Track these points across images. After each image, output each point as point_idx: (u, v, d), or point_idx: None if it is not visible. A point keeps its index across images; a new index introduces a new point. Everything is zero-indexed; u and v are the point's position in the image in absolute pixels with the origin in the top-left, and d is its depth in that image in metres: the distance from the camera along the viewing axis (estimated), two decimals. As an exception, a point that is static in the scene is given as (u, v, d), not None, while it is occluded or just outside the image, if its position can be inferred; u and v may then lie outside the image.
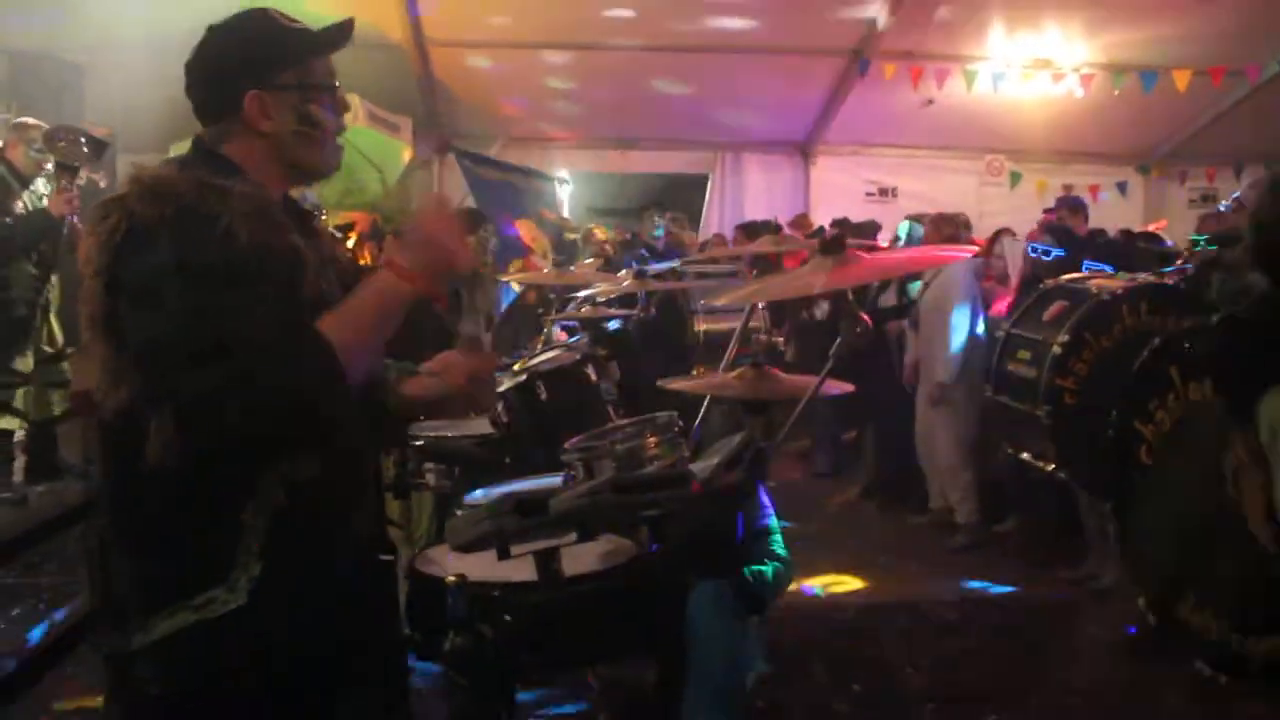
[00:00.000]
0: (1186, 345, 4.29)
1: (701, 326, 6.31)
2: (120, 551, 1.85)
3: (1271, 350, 1.98)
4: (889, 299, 6.94)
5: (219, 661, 1.77)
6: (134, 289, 1.72)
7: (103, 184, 6.29)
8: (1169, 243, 7.42)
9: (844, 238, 2.32)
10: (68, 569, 5.33)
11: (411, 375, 2.16)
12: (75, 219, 6.24)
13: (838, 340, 2.30)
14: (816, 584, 5.50)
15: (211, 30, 1.94)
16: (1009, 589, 5.55)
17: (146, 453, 1.70)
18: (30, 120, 6.39)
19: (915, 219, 7.58)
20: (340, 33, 1.98)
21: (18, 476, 6.54)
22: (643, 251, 8.13)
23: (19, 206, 6.16)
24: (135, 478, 1.76)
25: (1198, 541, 4.13)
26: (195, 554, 1.78)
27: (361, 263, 7.08)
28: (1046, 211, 8.33)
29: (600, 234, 9.94)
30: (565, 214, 12.29)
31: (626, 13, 10.21)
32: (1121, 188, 12.71)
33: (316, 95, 1.94)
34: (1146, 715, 4.01)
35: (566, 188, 12.66)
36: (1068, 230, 6.87)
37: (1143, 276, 5.26)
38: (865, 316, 2.25)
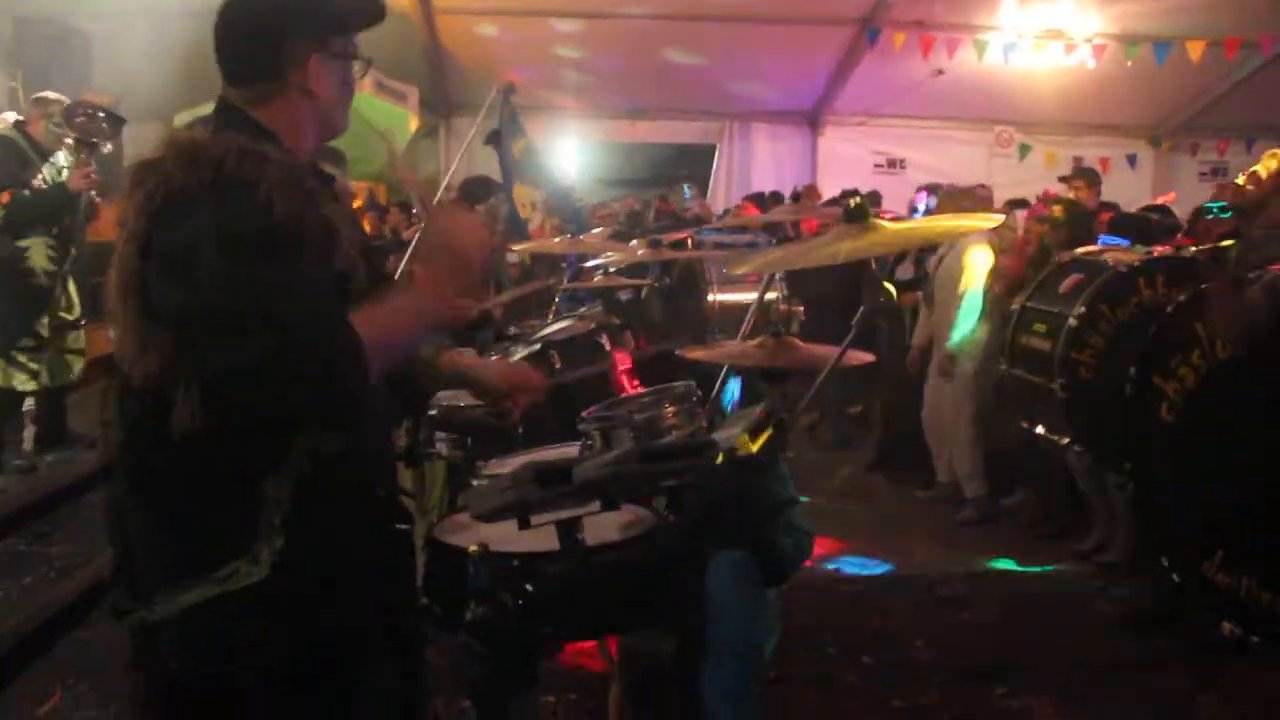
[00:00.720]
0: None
1: (717, 296, 6.28)
2: (141, 521, 1.83)
3: None
4: (905, 271, 6.90)
5: (241, 634, 1.76)
6: (169, 256, 1.69)
7: (106, 149, 6.25)
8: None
9: (867, 205, 2.29)
10: (77, 538, 5.35)
11: (446, 348, 2.16)
12: (94, 193, 6.24)
13: (860, 309, 2.28)
14: (826, 557, 5.50)
15: None
16: (1017, 562, 5.55)
17: (172, 422, 1.68)
18: (51, 94, 6.37)
19: (933, 189, 7.52)
20: (381, 7, 1.99)
21: (27, 445, 6.54)
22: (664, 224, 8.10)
23: (39, 180, 6.14)
24: (158, 446, 1.73)
25: (1226, 500, 4.07)
26: (217, 525, 1.76)
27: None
28: (1062, 179, 8.26)
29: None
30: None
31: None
32: (1131, 160, 12.64)
33: (350, 65, 1.98)
34: (1154, 688, 4.00)
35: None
36: (1073, 203, 6.80)
37: (1159, 249, 5.22)
38: (889, 285, 2.22)
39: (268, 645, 1.77)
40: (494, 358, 3.75)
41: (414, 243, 5.80)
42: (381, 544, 1.97)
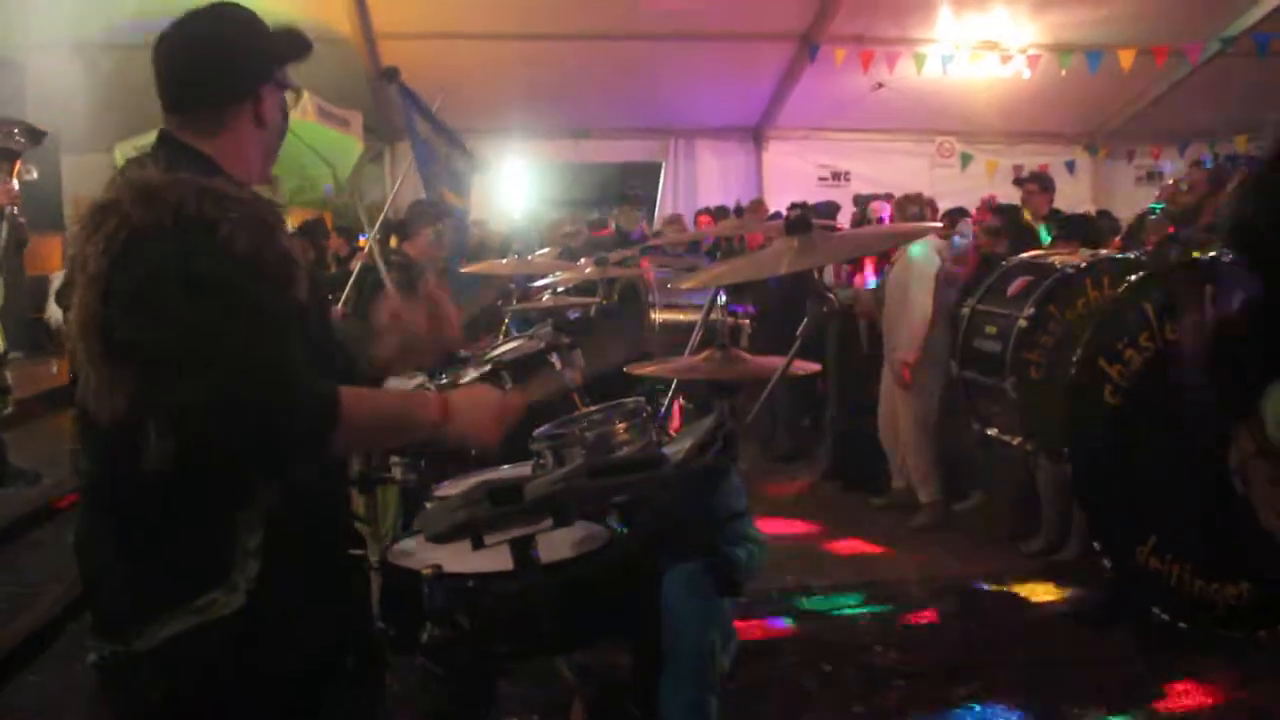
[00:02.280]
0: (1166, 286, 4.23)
1: (659, 317, 6.26)
2: (113, 554, 1.82)
3: (1268, 345, 1.98)
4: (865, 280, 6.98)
5: (221, 663, 1.75)
6: (131, 295, 1.69)
7: (32, 175, 6.14)
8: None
9: (809, 217, 2.33)
10: (22, 577, 5.24)
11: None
12: (19, 217, 6.11)
13: (804, 320, 2.31)
14: (781, 565, 5.52)
15: (204, 20, 1.93)
16: (971, 565, 5.61)
17: (144, 459, 1.68)
18: None
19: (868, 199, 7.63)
20: (308, 41, 2.02)
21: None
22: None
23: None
24: (130, 483, 1.73)
25: (1162, 485, 4.10)
26: (193, 556, 1.76)
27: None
28: (1016, 183, 8.41)
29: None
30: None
31: (575, 1, 10.18)
32: (1070, 166, 12.88)
33: (287, 93, 2.02)
34: (1110, 683, 4.06)
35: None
36: (1012, 208, 6.94)
37: (1104, 251, 5.33)
38: (830, 295, 2.25)
39: (245, 673, 1.76)
40: (443, 380, 3.74)
41: (359, 268, 5.78)
42: (344, 568, 1.97)
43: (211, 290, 1.67)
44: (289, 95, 2.03)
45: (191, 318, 1.65)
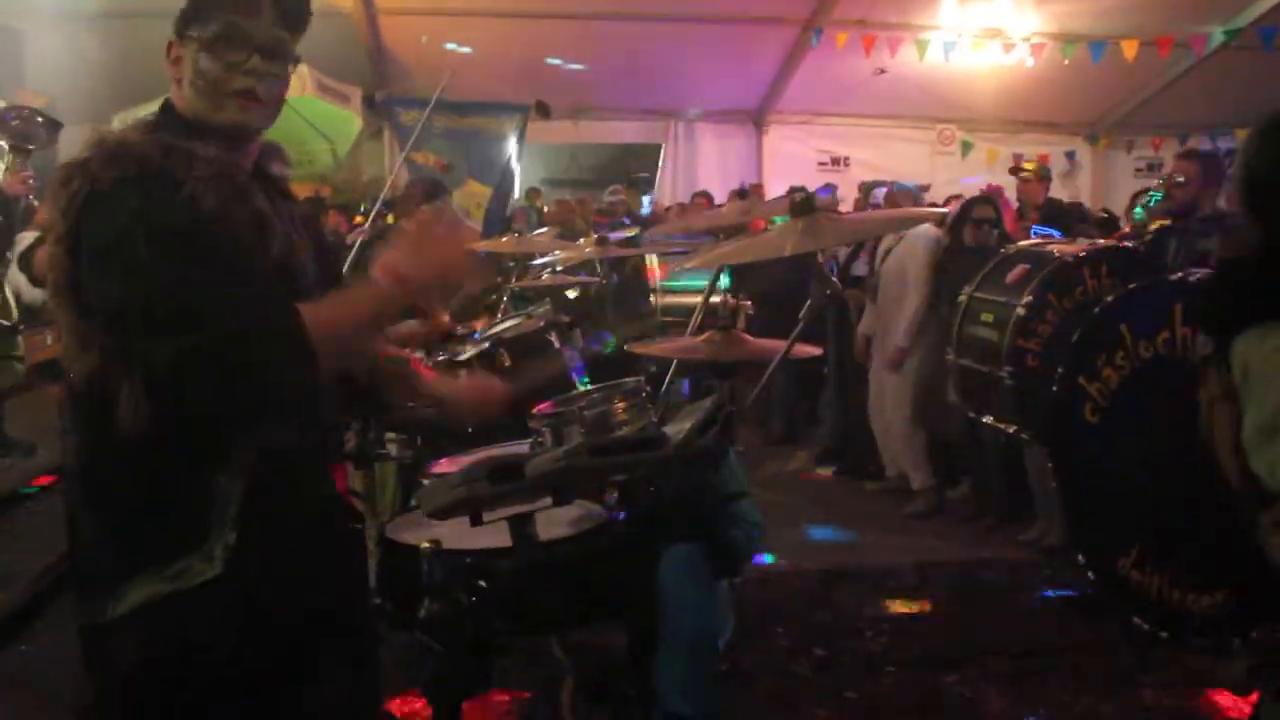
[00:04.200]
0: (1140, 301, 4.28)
1: (659, 301, 6.25)
2: (92, 521, 1.82)
3: (1248, 292, 2.02)
4: (860, 268, 6.97)
5: (196, 631, 1.74)
6: (97, 253, 1.68)
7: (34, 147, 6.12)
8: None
9: (813, 199, 2.32)
10: (15, 547, 5.23)
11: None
12: (31, 198, 6.11)
13: (808, 303, 2.30)
14: (776, 550, 5.53)
15: None
16: (964, 552, 5.62)
17: (117, 419, 1.66)
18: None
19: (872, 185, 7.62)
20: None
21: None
22: (625, 219, 8.08)
23: (-29, 184, 6.00)
24: (106, 445, 1.72)
25: (1141, 498, 4.17)
26: (169, 522, 1.75)
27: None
28: (1012, 172, 8.38)
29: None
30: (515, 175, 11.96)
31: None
32: (1070, 156, 12.87)
33: (209, 44, 1.83)
34: (1100, 672, 4.08)
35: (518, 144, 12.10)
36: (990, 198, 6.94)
37: (1103, 241, 5.33)
38: (834, 279, 2.24)
39: (222, 642, 1.75)
40: (441, 357, 3.73)
41: (358, 244, 5.78)
42: (331, 540, 1.96)
43: (177, 243, 1.66)
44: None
45: (157, 271, 1.64)
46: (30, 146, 6.01)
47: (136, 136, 1.77)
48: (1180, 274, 4.29)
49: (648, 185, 12.63)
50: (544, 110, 6.40)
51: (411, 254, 1.82)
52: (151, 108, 1.94)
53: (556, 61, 11.37)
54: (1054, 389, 4.32)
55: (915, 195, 7.01)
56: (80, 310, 1.70)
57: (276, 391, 1.72)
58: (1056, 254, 5.04)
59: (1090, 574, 4.31)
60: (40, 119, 6.10)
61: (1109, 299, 4.40)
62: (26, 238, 5.78)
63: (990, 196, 6.85)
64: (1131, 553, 4.19)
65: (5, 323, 6.25)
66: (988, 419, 5.20)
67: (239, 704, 1.79)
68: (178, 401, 1.66)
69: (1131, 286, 4.41)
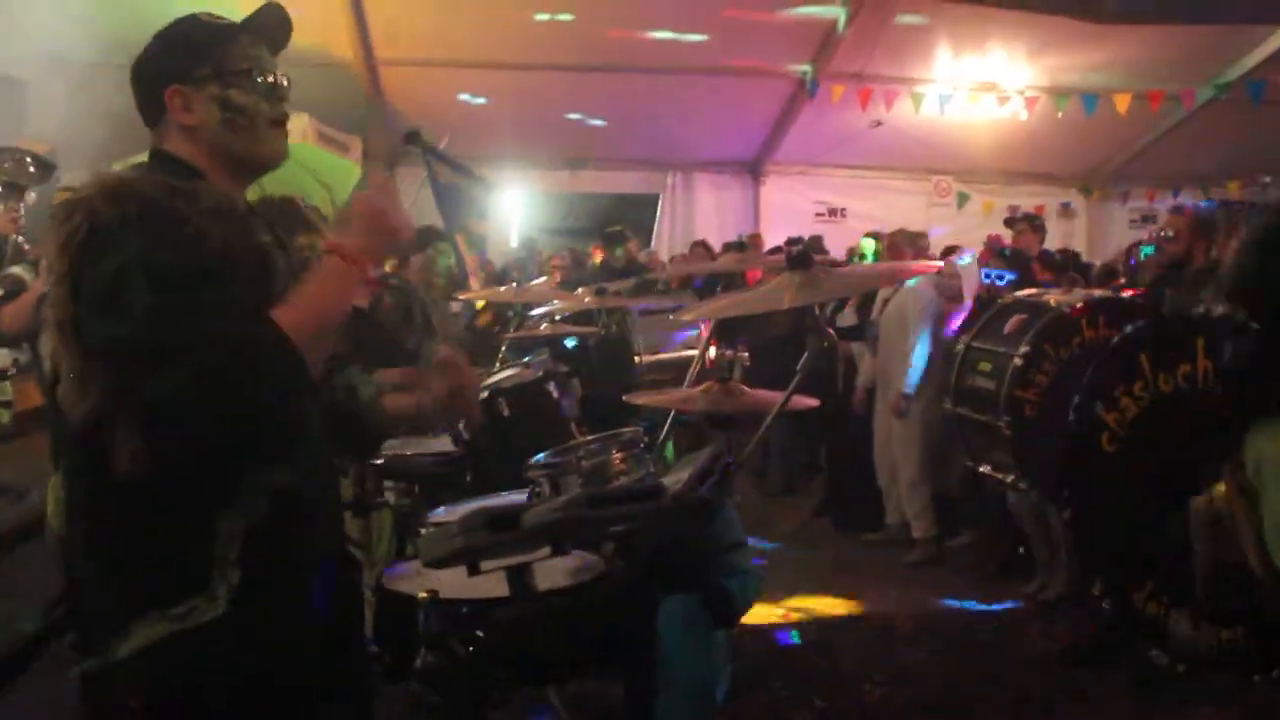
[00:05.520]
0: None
1: (645, 359, 6.20)
2: (94, 563, 1.81)
3: (1252, 391, 2.05)
4: (848, 319, 7.00)
5: (200, 672, 1.74)
6: (97, 290, 1.68)
7: (32, 197, 6.14)
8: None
9: (810, 253, 2.34)
10: (6, 596, 5.19)
11: (388, 391, 2.13)
12: (21, 239, 6.12)
13: (804, 355, 2.32)
14: (774, 600, 5.51)
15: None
16: (963, 603, 5.60)
17: (112, 461, 1.67)
18: None
19: (874, 235, 7.67)
20: (259, 18, 1.96)
21: (-44, 499, 6.35)
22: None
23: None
24: (106, 487, 1.72)
25: (1158, 531, 4.04)
26: (172, 563, 1.75)
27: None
28: (1007, 223, 8.46)
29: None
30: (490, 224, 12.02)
31: (575, 33, 10.24)
32: (1065, 208, 12.96)
33: (235, 81, 1.89)
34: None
35: (494, 194, 12.28)
36: (1018, 251, 6.99)
37: (1099, 291, 5.36)
38: (830, 331, 2.26)
39: (226, 682, 1.75)
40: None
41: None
42: (334, 588, 1.96)
43: (179, 281, 1.67)
44: (258, 78, 1.91)
45: (154, 310, 1.64)
46: (22, 184, 6.02)
47: (132, 175, 1.80)
48: (1204, 308, 4.27)
49: (644, 235, 12.69)
50: (414, 139, 6.43)
51: (345, 225, 1.89)
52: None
53: (577, 116, 11.48)
54: (1071, 417, 4.30)
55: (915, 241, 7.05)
56: (81, 350, 1.70)
57: (274, 421, 1.72)
58: (1054, 304, 5.08)
59: (1106, 604, 4.26)
60: (30, 160, 6.13)
61: (1129, 328, 4.37)
62: None
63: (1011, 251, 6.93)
64: (1147, 585, 4.14)
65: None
66: (985, 468, 5.20)
67: None
68: (175, 438, 1.66)
69: (1154, 318, 4.41)
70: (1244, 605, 3.59)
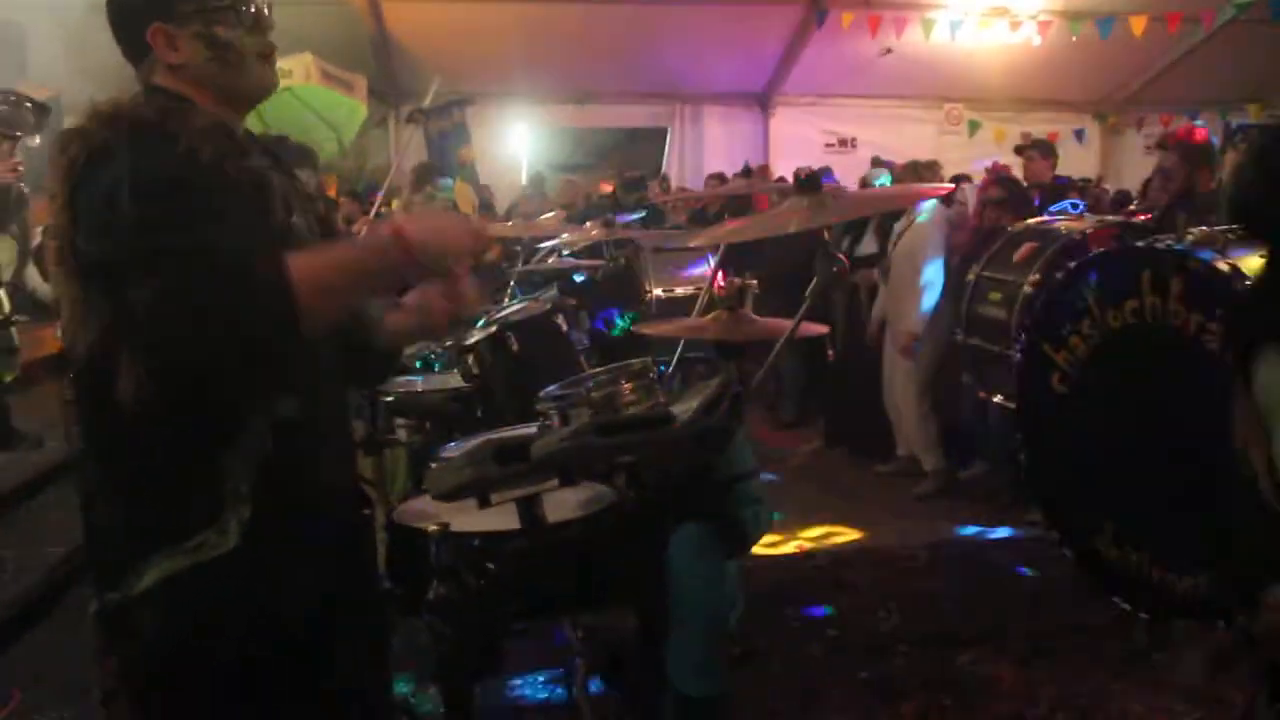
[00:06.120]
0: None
1: (655, 292, 6.16)
2: (107, 500, 1.82)
3: (1257, 315, 2.01)
4: (868, 247, 6.92)
5: (214, 605, 1.75)
6: (90, 209, 1.67)
7: (34, 141, 6.09)
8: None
9: (819, 176, 2.30)
10: (27, 541, 5.25)
11: (391, 310, 2.12)
12: (22, 184, 6.09)
13: (814, 280, 2.28)
14: (786, 531, 5.53)
15: None
16: (976, 532, 5.61)
17: (118, 391, 1.65)
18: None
19: (881, 163, 7.58)
20: None
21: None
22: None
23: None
24: (113, 423, 1.72)
25: (1117, 474, 3.98)
26: (182, 497, 1.75)
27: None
28: (1017, 150, 8.35)
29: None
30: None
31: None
32: (1079, 135, 12.80)
33: (219, 16, 1.85)
34: (1112, 650, 4.06)
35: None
36: (1014, 180, 6.89)
37: (1111, 217, 5.29)
38: (842, 256, 2.22)
39: (239, 616, 1.76)
40: (448, 342, 3.73)
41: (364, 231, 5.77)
42: (345, 523, 1.96)
43: (166, 190, 1.65)
44: (241, 13, 1.88)
45: (145, 219, 1.62)
46: (17, 134, 5.97)
47: (129, 99, 1.79)
48: (1154, 241, 4.15)
49: (653, 169, 12.57)
50: (415, 117, 6.45)
51: (421, 220, 1.85)
52: None
53: (583, 49, 11.25)
54: (1018, 358, 4.21)
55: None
56: (80, 276, 1.70)
57: (257, 337, 1.64)
58: (1064, 230, 5.01)
59: (1066, 552, 4.19)
60: (29, 104, 6.07)
61: (1071, 265, 4.23)
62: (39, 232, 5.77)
63: (1001, 175, 6.82)
64: (1106, 529, 4.02)
65: None
66: (998, 398, 5.18)
67: (259, 677, 1.79)
68: (170, 361, 1.62)
69: (1096, 253, 4.27)
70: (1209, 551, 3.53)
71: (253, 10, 1.89)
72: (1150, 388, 3.80)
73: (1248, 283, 3.07)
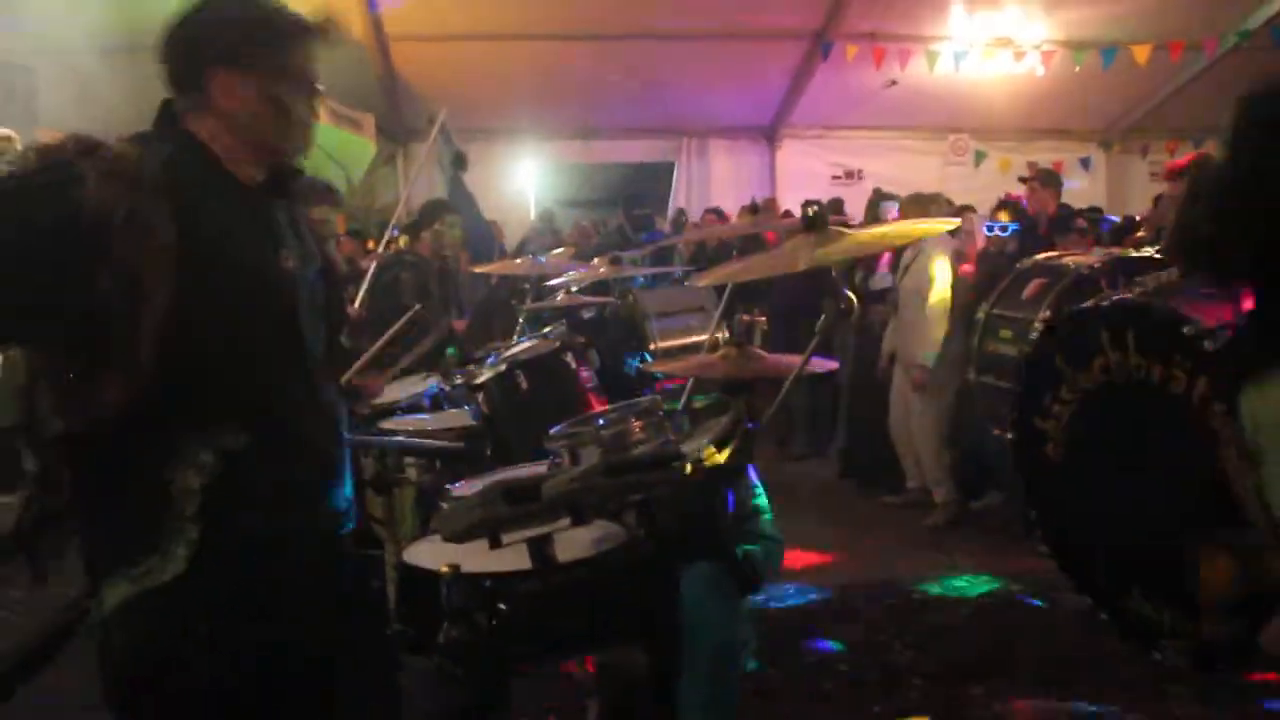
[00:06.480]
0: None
1: (660, 344, 6.02)
2: (80, 522, 1.85)
3: (1243, 348, 2.02)
4: (881, 282, 6.94)
5: (164, 631, 1.75)
6: None
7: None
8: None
9: (826, 214, 2.31)
10: (38, 579, 5.24)
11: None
12: None
13: (822, 317, 2.28)
14: (798, 565, 5.51)
15: (197, 2, 1.93)
16: (988, 564, 5.57)
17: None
18: (2, 130, 6.27)
19: (887, 197, 7.60)
20: (319, 25, 1.98)
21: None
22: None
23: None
24: (63, 450, 1.78)
25: (1127, 531, 3.94)
26: (129, 523, 1.77)
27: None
28: (1021, 180, 8.37)
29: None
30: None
31: (585, 1, 10.19)
32: (1085, 163, 12.82)
33: (284, 77, 1.93)
34: (1128, 681, 4.03)
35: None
36: (1022, 206, 6.91)
37: (1117, 250, 5.29)
38: (850, 293, 2.23)
39: (189, 643, 1.76)
40: (458, 380, 3.74)
41: (373, 269, 5.80)
42: (328, 561, 1.97)
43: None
44: (298, 83, 1.95)
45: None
46: None
47: (84, 138, 1.81)
48: (1102, 299, 4.14)
49: (660, 204, 12.63)
50: (461, 163, 6.56)
51: None
52: None
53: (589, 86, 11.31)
54: (1010, 435, 4.30)
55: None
56: None
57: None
58: (1072, 266, 5.01)
59: (1104, 615, 4.16)
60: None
61: (1033, 337, 4.33)
62: None
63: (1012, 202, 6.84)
64: (1136, 589, 3.98)
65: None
66: (1011, 435, 5.16)
67: (218, 706, 1.79)
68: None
69: (1054, 322, 4.35)
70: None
71: (310, 79, 1.96)
72: (1137, 439, 3.83)
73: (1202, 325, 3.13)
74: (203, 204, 1.84)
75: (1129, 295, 3.85)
